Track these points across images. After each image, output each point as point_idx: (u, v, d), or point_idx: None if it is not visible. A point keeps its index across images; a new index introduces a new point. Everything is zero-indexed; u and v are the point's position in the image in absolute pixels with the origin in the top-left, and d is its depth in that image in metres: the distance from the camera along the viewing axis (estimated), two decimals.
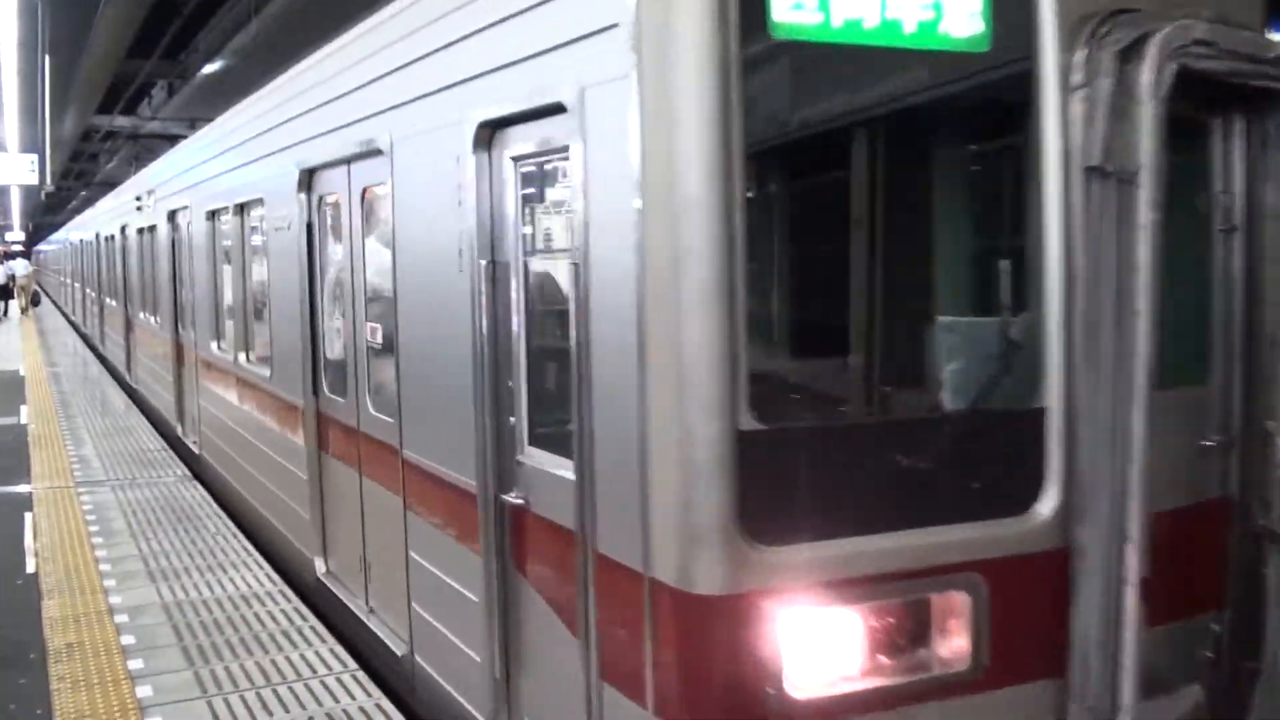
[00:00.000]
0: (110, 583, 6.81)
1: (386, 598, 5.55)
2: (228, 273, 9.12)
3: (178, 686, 5.21)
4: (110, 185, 26.39)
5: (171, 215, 11.62)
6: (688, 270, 2.95)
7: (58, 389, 16.67)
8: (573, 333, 3.43)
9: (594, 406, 3.34)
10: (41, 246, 63.21)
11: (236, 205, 8.35)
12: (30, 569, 7.15)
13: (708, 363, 2.95)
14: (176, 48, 21.00)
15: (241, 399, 8.54)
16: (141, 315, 14.79)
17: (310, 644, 5.72)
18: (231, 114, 9.17)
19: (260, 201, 7.50)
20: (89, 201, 36.25)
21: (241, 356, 8.52)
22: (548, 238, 3.94)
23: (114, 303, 18.60)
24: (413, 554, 4.95)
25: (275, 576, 6.93)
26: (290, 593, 6.59)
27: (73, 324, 30.09)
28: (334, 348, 6.26)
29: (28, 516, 8.52)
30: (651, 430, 3.06)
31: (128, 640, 5.80)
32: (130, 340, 16.50)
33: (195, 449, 10.77)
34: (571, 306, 3.44)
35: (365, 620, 5.73)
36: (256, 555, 7.42)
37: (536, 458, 3.95)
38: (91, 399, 15.57)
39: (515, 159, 3.97)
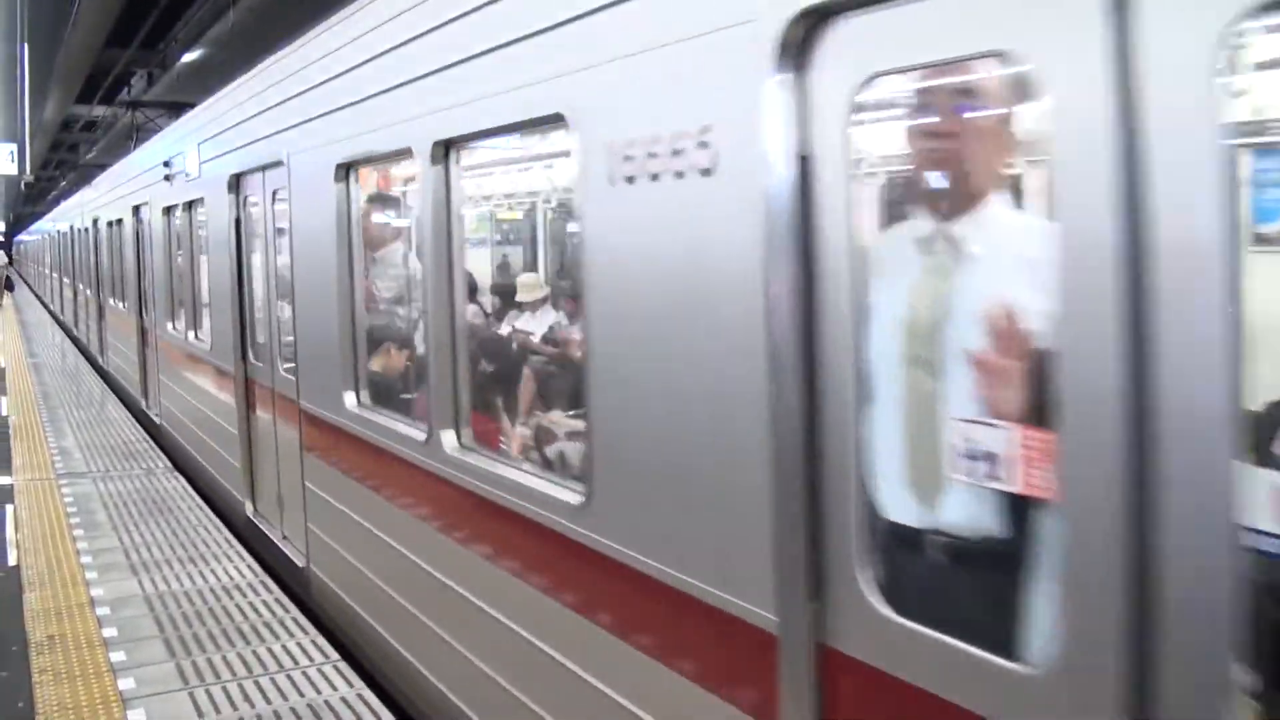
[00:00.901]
0: (92, 575, 6.79)
1: None
2: (393, 276, 5.90)
3: (160, 678, 5.20)
4: (100, 168, 25.97)
5: (235, 182, 7.86)
6: None
7: (39, 380, 16.59)
8: None
9: None
10: (22, 237, 62.75)
11: (440, 144, 4.33)
12: (11, 561, 7.12)
13: None
14: (155, 36, 20.93)
15: (454, 528, 4.43)
16: (170, 328, 10.90)
17: (292, 635, 5.73)
18: None
19: (558, 119, 3.39)
20: (73, 190, 35.99)
21: (448, 439, 4.39)
22: None
23: (122, 306, 14.71)
24: None
25: (257, 568, 6.92)
26: (271, 583, 6.60)
27: (61, 323, 28.62)
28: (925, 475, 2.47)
29: (8, 509, 8.49)
30: None
31: (109, 633, 5.79)
32: (148, 360, 12.60)
33: (296, 559, 6.68)
34: None
35: None
36: (238, 546, 7.40)
37: None
38: (72, 391, 15.50)
39: None
